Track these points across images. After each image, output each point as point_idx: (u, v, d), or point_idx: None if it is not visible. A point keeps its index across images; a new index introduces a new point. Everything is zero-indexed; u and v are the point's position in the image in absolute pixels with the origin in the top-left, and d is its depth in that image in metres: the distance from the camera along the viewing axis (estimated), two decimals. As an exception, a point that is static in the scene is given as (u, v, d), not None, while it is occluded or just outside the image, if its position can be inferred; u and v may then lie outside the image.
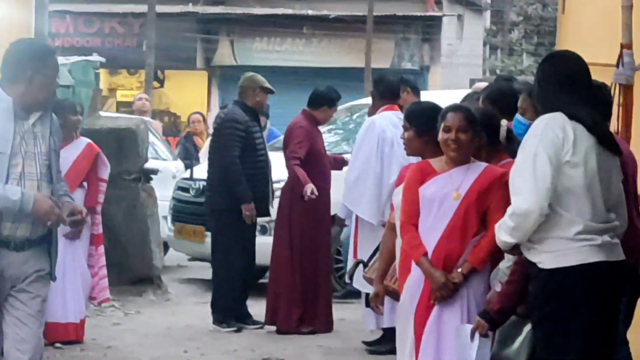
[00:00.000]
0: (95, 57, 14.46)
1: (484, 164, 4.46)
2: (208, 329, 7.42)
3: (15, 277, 3.91)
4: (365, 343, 7.20)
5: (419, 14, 18.28)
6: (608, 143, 3.77)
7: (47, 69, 4.00)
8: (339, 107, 10.03)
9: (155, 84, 18.39)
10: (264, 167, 7.76)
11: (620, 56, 5.81)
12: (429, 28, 18.46)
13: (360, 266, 6.02)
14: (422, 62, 18.41)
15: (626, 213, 3.92)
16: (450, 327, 4.28)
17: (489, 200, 4.34)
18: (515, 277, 3.89)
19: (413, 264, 4.43)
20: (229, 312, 7.53)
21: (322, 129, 8.60)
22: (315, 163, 7.42)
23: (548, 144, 3.63)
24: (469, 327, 4.02)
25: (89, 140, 7.01)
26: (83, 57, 14.01)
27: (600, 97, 4.44)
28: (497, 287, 4.19)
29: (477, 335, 3.96)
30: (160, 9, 15.86)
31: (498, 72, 20.50)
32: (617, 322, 3.92)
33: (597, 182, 3.67)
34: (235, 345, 6.98)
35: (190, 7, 18.60)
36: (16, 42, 4.55)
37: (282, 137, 8.83)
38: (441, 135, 4.31)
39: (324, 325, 7.72)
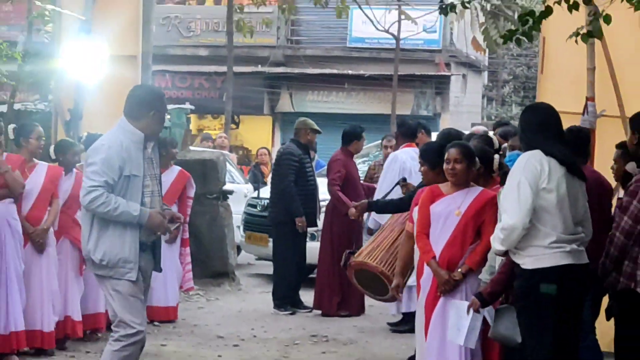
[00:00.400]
0: (187, 106, 14.81)
1: (480, 188, 4.40)
2: (270, 312, 7.35)
3: (149, 273, 3.98)
4: (389, 324, 7.08)
5: (432, 73, 18.23)
6: (575, 172, 3.71)
7: (162, 107, 3.97)
8: (371, 144, 10.15)
9: (233, 126, 18.33)
10: (313, 189, 7.70)
11: (585, 107, 5.79)
12: (441, 84, 18.16)
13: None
14: (435, 110, 17.78)
15: (591, 226, 3.82)
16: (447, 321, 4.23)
17: (483, 216, 4.29)
18: (504, 270, 3.84)
19: (425, 265, 4.39)
20: (286, 300, 7.46)
21: (357, 160, 8.47)
22: (351, 187, 7.32)
23: (529, 174, 3.58)
24: (465, 304, 3.98)
25: (180, 168, 6.93)
26: (178, 106, 14.21)
27: (580, 138, 4.53)
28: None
29: (471, 310, 3.92)
30: (236, 69, 16.07)
31: (492, 118, 20.44)
32: (582, 312, 3.82)
33: (567, 203, 3.61)
34: (290, 325, 6.92)
35: (259, 68, 19.10)
36: (139, 87, 4.80)
37: (325, 167, 8.63)
38: (444, 165, 4.29)
39: (357, 309, 7.59)
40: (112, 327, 3.92)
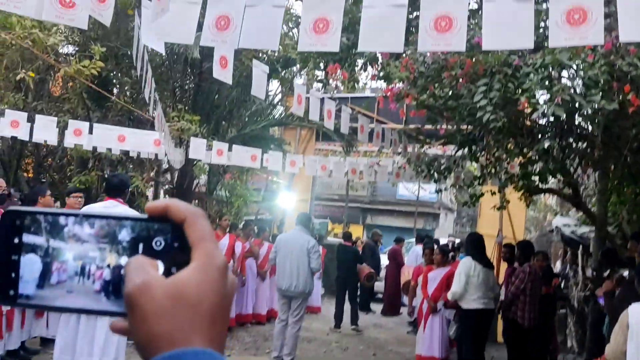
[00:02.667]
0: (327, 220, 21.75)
1: (449, 267, 7.10)
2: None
3: None
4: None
5: (432, 211, 27.20)
6: (488, 265, 6.43)
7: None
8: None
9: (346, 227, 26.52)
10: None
11: (499, 232, 11.98)
12: (436, 216, 26.85)
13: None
14: (432, 227, 26.86)
15: (497, 290, 6.47)
16: (434, 326, 7.03)
17: (449, 280, 6.69)
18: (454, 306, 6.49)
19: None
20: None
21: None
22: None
23: (465, 268, 6.19)
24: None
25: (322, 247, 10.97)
26: (322, 220, 20.89)
27: (476, 240, 7.02)
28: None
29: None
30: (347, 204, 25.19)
31: (456, 233, 28.64)
32: (488, 330, 6.42)
33: (482, 281, 6.18)
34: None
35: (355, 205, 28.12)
36: (304, 213, 8.02)
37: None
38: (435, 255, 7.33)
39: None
40: None
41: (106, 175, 9.42)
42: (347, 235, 10.90)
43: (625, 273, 8.39)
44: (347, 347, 8.94)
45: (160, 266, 0.52)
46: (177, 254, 0.52)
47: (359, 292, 10.91)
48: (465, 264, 6.45)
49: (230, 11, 3.11)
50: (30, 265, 0.53)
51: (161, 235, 0.52)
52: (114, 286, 0.53)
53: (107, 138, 7.11)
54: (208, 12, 3.15)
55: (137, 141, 7.31)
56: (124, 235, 0.53)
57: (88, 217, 0.53)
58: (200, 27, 3.29)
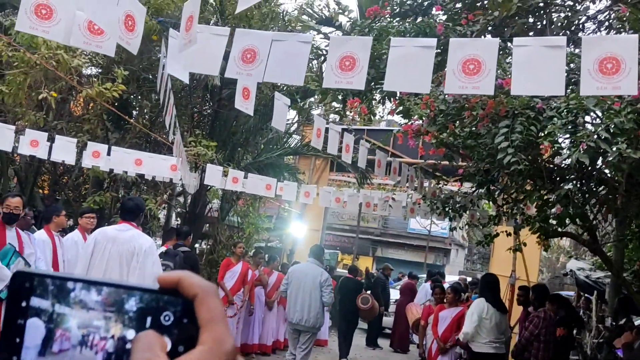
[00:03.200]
0: (337, 250, 21.72)
1: (461, 307, 7.04)
2: None
3: None
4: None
5: (444, 247, 26.87)
6: (501, 309, 6.26)
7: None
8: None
9: (356, 259, 26.29)
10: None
11: (512, 273, 11.79)
12: (447, 251, 26.82)
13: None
14: (443, 263, 26.75)
15: (509, 334, 6.48)
16: None
17: (460, 320, 6.65)
18: (465, 347, 6.46)
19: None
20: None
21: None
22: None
23: (477, 310, 6.06)
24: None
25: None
26: (334, 250, 21.09)
27: (491, 282, 6.88)
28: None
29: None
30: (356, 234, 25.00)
31: (467, 269, 28.97)
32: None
33: (495, 325, 6.03)
34: None
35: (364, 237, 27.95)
36: (317, 245, 8.04)
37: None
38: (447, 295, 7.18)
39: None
40: None
41: (120, 197, 9.45)
42: (352, 269, 10.78)
43: (639, 322, 8.21)
44: (353, 383, 8.71)
45: (168, 343, 0.49)
46: (185, 331, 0.49)
47: (366, 327, 10.73)
48: (479, 306, 6.30)
49: (257, 45, 3.10)
50: (33, 330, 0.50)
51: (171, 309, 0.50)
52: (117, 359, 0.50)
53: (125, 161, 7.13)
54: (235, 45, 3.14)
55: (153, 165, 7.32)
56: (132, 305, 0.50)
57: (97, 283, 0.51)
58: (226, 56, 3.28)
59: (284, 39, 3.13)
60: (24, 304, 0.51)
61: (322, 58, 8.04)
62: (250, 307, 9.15)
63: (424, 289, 11.28)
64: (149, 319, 0.50)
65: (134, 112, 10.85)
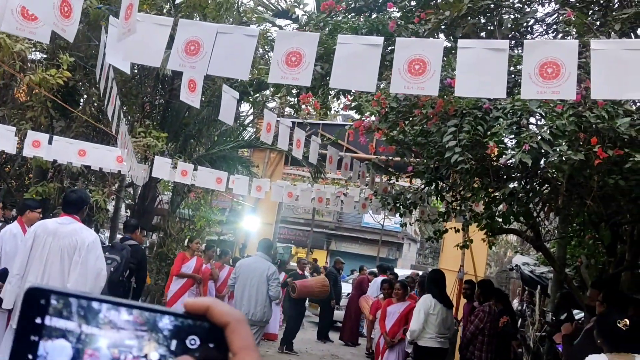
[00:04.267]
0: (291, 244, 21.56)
1: (408, 302, 7.27)
2: None
3: None
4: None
5: (396, 241, 27.12)
6: (447, 304, 6.42)
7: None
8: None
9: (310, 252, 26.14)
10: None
11: (460, 267, 12.07)
12: (400, 245, 26.96)
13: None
14: (395, 257, 27.22)
15: (454, 330, 6.71)
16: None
17: (409, 315, 6.79)
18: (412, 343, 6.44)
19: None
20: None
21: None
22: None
23: (424, 306, 6.26)
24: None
25: (284, 274, 12.85)
26: (286, 245, 20.99)
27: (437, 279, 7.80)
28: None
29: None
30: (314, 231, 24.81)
31: (418, 263, 29.67)
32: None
33: (441, 320, 6.18)
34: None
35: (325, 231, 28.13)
36: (266, 239, 7.74)
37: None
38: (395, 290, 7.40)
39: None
40: None
41: (66, 187, 9.11)
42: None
43: (579, 316, 8.50)
44: (303, 379, 8.70)
45: None
46: (211, 355, 0.51)
47: (318, 320, 10.77)
48: (425, 302, 6.40)
49: (201, 36, 3.00)
50: (59, 351, 0.50)
51: (196, 334, 0.51)
52: None
53: (68, 151, 6.85)
54: (178, 36, 3.04)
55: (98, 156, 7.06)
56: (161, 326, 0.51)
57: (123, 305, 0.52)
58: (170, 46, 3.17)
59: (229, 31, 3.04)
60: (38, 320, 0.51)
61: (277, 51, 7.89)
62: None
63: (375, 284, 11.37)
64: (174, 342, 0.51)
65: (82, 101, 10.44)
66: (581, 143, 4.30)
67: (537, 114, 4.78)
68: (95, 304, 0.51)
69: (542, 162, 4.91)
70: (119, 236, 7.92)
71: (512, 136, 4.66)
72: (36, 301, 0.51)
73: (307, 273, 12.07)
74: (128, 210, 12.14)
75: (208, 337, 0.51)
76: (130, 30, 2.77)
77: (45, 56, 9.27)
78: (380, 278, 11.37)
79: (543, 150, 4.24)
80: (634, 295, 7.15)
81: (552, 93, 2.61)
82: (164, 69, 8.14)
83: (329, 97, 9.47)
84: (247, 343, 0.52)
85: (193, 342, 0.51)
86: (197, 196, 11.70)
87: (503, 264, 23.62)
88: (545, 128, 4.22)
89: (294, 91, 8.82)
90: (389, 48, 5.00)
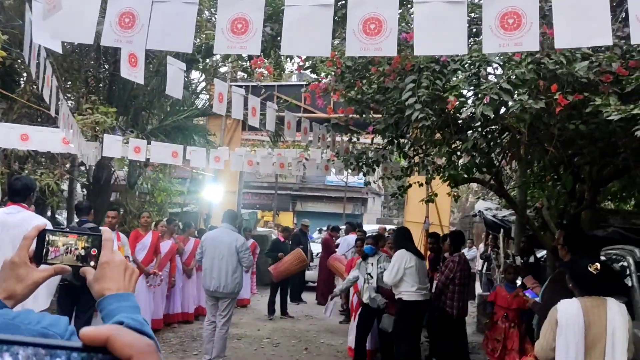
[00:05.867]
0: (256, 210, 21.42)
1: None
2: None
3: None
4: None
5: (361, 196, 27.65)
6: (419, 256, 6.52)
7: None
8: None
9: (276, 215, 26.40)
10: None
11: (425, 219, 12.29)
12: (364, 201, 27.34)
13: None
14: (361, 212, 27.79)
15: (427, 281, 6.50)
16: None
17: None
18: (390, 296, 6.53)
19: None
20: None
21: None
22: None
23: (400, 261, 6.31)
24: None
25: (253, 240, 11.16)
26: (251, 210, 20.82)
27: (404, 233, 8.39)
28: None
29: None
30: (280, 192, 24.62)
31: (383, 216, 30.52)
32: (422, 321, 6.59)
33: (419, 272, 6.34)
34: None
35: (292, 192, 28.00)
36: (230, 210, 7.76)
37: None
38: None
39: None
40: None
41: (14, 172, 8.67)
42: (284, 229, 10.80)
43: (540, 254, 8.77)
44: (279, 342, 8.75)
45: None
46: None
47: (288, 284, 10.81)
48: (402, 257, 6.45)
49: (135, 7, 2.73)
50: None
51: None
52: None
53: (9, 137, 6.44)
54: (109, 8, 2.76)
55: (42, 140, 6.67)
56: None
57: (15, 343, 0.46)
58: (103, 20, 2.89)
59: (166, 0, 2.77)
60: None
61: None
62: (172, 279, 8.87)
63: (346, 242, 11.41)
64: None
65: (22, 80, 9.84)
66: (540, 90, 4.23)
67: (495, 64, 4.69)
68: None
69: (502, 112, 4.85)
70: (76, 219, 7.58)
71: (472, 88, 4.56)
72: None
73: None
74: (84, 190, 11.69)
75: None
76: (57, 7, 2.48)
77: (-25, 35, 8.60)
78: (350, 236, 11.42)
79: (504, 100, 4.16)
80: (593, 232, 7.38)
81: (514, 45, 2.49)
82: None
83: (282, 58, 9.17)
84: None
85: None
86: (155, 169, 11.34)
87: (465, 209, 24.13)
88: (505, 78, 4.13)
89: (245, 55, 8.48)
90: (340, 3, 4.78)
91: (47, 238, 1.21)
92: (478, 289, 12.74)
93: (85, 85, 9.68)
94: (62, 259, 1.21)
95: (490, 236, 13.24)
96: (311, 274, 12.31)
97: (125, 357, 0.46)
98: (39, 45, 3.55)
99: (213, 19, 9.93)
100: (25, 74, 9.95)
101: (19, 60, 9.33)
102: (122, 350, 0.46)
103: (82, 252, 1.21)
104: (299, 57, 6.59)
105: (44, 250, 1.19)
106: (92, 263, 1.20)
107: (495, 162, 6.49)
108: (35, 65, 3.64)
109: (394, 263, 6.35)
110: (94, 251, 1.21)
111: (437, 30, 2.56)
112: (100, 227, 1.29)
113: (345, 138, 7.88)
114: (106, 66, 10.08)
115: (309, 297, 12.53)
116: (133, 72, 3.55)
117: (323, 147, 8.31)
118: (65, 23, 2.73)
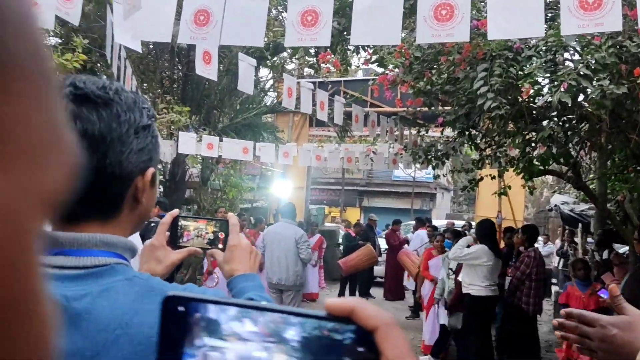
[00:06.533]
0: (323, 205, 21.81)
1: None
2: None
3: None
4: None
5: (429, 191, 26.89)
6: (498, 255, 6.32)
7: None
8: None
9: (344, 212, 25.86)
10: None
11: (498, 213, 11.88)
12: (433, 196, 26.70)
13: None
14: (430, 207, 27.12)
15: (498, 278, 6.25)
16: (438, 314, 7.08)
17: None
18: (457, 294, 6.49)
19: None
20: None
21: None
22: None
23: (481, 256, 6.18)
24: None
25: (320, 235, 11.50)
26: (319, 206, 21.14)
27: (487, 227, 6.70)
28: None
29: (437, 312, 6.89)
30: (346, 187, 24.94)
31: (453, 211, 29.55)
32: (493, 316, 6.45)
33: (493, 270, 6.18)
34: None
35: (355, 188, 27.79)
36: (289, 204, 7.75)
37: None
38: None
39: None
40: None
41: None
42: (356, 224, 10.78)
43: (623, 250, 8.31)
44: (348, 336, 8.73)
45: None
46: (364, 358, 0.48)
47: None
48: (484, 252, 6.26)
49: (210, 5, 2.82)
50: None
51: (342, 336, 0.48)
52: None
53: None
54: (186, 7, 2.86)
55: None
56: (294, 333, 0.47)
57: (260, 308, 0.48)
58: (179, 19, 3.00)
59: (238, -4, 2.85)
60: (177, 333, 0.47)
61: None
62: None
63: (419, 236, 11.24)
64: (314, 347, 0.48)
65: (101, 83, 10.35)
66: (622, 75, 4.01)
67: (572, 49, 4.49)
68: (213, 315, 0.47)
69: (580, 99, 4.64)
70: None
71: (547, 75, 4.39)
72: (175, 310, 0.48)
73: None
74: (161, 186, 12.21)
75: (355, 341, 0.48)
76: (136, 6, 2.61)
77: (60, 41, 9.16)
78: (421, 231, 11.25)
79: (582, 87, 3.98)
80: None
81: (595, 26, 2.37)
82: (177, 42, 7.97)
83: (348, 52, 9.18)
84: (401, 351, 0.48)
85: (336, 345, 0.47)
86: (226, 166, 11.66)
87: (540, 204, 23.23)
88: (583, 63, 3.95)
89: (312, 50, 8.55)
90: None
91: (180, 223, 1.33)
92: (554, 287, 12.21)
93: (160, 86, 10.09)
94: (193, 242, 1.33)
95: (567, 231, 12.68)
96: (379, 269, 12.23)
97: (372, 327, 0.48)
98: (120, 46, 3.74)
99: (280, 17, 10.08)
100: (104, 77, 10.47)
101: (99, 64, 9.84)
102: (368, 320, 0.48)
103: (211, 236, 1.36)
104: (365, 50, 6.57)
105: (178, 234, 1.32)
106: (220, 246, 1.34)
107: (572, 152, 6.22)
108: (116, 66, 3.84)
109: (476, 255, 6.22)
110: (221, 235, 1.35)
111: (511, 13, 2.48)
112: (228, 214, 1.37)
113: (414, 131, 7.78)
114: (180, 67, 10.45)
115: (377, 292, 12.48)
116: (207, 70, 3.67)
117: (391, 141, 8.25)
118: (144, 23, 2.86)
